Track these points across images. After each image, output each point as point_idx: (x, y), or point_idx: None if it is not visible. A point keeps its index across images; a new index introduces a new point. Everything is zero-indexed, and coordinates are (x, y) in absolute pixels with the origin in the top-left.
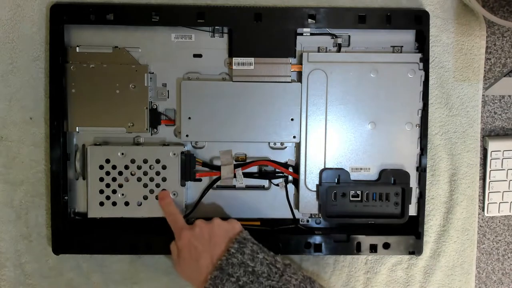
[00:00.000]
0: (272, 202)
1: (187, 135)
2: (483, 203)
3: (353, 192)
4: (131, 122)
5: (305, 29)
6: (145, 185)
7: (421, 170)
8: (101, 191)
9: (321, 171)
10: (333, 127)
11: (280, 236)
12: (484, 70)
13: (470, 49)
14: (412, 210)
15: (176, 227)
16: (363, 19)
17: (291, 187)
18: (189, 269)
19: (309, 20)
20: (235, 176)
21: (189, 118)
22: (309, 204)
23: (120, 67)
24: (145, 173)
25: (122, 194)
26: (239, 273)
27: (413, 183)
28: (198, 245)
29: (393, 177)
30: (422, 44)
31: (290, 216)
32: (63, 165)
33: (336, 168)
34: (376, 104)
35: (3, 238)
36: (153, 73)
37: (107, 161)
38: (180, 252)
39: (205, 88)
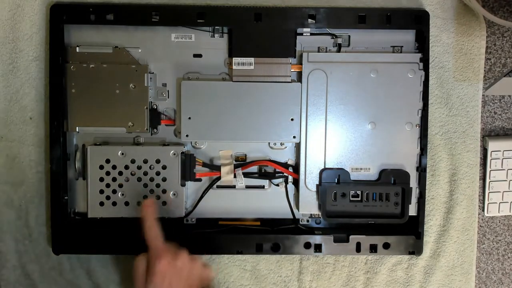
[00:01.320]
0: (272, 202)
1: (187, 135)
2: (483, 203)
3: (353, 192)
4: (131, 122)
5: (305, 29)
6: (145, 185)
7: (421, 170)
8: (101, 191)
9: (321, 171)
10: (333, 127)
11: (280, 236)
12: (484, 70)
13: (470, 49)
14: (412, 210)
15: (156, 246)
16: (363, 19)
17: (291, 187)
18: None
19: (309, 20)
20: (235, 176)
21: (189, 118)
22: (309, 204)
23: (120, 67)
24: (145, 173)
25: (122, 194)
26: None
27: (413, 183)
28: (173, 281)
29: (393, 177)
30: (422, 44)
31: (290, 216)
32: (63, 165)
33: (336, 168)
34: (376, 104)
35: (3, 238)
36: (153, 73)
37: (107, 161)
38: (153, 276)
39: (205, 88)
